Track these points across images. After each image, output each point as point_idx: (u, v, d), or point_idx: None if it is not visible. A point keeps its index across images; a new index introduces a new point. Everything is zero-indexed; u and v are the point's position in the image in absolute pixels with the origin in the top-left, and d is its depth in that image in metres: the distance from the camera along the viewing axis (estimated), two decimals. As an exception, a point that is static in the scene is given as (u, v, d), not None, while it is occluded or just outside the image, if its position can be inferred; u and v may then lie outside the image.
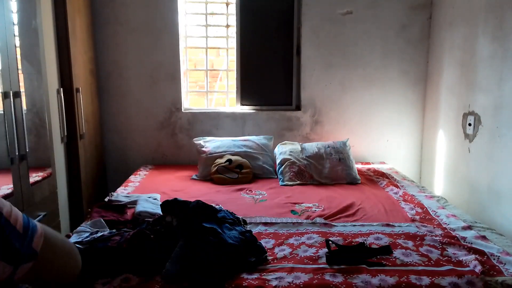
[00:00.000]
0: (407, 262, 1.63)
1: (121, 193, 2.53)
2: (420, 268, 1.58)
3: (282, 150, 3.12)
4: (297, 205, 2.37)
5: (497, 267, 1.58)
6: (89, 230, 1.81)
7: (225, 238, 1.63)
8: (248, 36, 3.49)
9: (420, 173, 3.67)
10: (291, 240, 1.85)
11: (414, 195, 2.52)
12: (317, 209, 2.29)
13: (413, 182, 2.93)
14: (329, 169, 2.93)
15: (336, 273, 1.54)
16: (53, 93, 2.58)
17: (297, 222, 2.06)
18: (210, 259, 1.53)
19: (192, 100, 3.81)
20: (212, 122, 3.51)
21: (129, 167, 3.41)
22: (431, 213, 2.23)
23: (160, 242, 1.62)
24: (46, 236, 0.79)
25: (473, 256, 1.65)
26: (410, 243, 1.80)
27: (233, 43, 3.52)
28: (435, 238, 1.85)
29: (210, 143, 3.21)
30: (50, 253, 0.80)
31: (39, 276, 0.80)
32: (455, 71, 3.01)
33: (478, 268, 1.54)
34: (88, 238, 1.66)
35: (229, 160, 2.97)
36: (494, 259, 1.65)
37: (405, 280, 1.49)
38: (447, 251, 1.74)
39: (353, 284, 1.47)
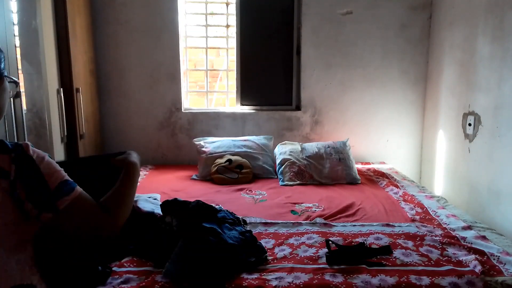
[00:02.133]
0: (407, 262, 1.63)
1: (121, 193, 2.52)
2: (420, 268, 1.59)
3: (282, 150, 3.12)
4: (297, 205, 2.37)
5: (497, 267, 1.59)
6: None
7: (225, 238, 1.63)
8: (248, 36, 3.49)
9: (420, 173, 3.67)
10: (291, 240, 1.85)
11: (414, 195, 2.52)
12: (317, 209, 2.29)
13: (413, 182, 2.93)
14: (329, 169, 2.93)
15: (336, 273, 1.54)
16: (53, 93, 2.58)
17: (297, 222, 2.07)
18: (210, 259, 1.53)
19: (192, 100, 3.81)
20: (212, 122, 3.51)
21: (129, 167, 3.40)
22: (431, 213, 2.23)
23: (160, 242, 1.62)
24: (77, 201, 0.96)
25: (473, 256, 1.66)
26: (410, 243, 1.80)
27: (233, 43, 3.52)
28: (435, 238, 1.85)
29: (210, 143, 3.21)
30: (72, 215, 0.96)
31: (61, 226, 0.98)
32: (455, 71, 3.01)
33: (478, 268, 1.54)
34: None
35: (229, 160, 2.97)
36: (494, 259, 1.65)
37: (405, 280, 1.49)
38: (447, 251, 1.74)
39: (353, 284, 1.47)
